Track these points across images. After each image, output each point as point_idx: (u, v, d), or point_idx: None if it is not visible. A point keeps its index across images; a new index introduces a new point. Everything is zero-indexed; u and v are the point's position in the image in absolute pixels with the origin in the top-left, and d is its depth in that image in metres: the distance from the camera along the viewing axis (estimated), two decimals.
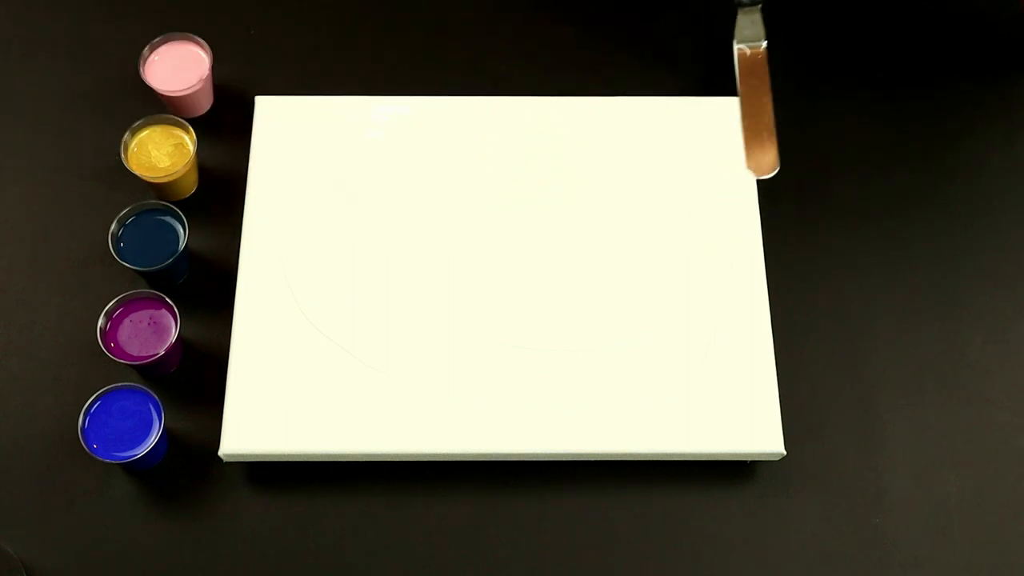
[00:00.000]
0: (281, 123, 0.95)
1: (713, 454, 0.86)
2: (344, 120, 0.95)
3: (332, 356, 0.86)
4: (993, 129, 1.01)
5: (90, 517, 0.85)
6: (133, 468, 0.85)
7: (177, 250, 0.89)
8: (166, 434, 0.85)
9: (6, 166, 0.97)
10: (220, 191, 0.95)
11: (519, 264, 0.90)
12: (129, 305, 0.87)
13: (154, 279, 0.91)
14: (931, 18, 1.05)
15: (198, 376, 0.89)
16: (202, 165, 0.96)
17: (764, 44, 0.97)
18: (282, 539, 0.85)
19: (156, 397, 0.84)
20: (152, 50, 0.96)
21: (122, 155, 0.92)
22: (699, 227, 0.92)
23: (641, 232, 0.91)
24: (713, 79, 1.00)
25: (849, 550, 0.85)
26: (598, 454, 0.85)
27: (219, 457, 0.84)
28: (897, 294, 0.93)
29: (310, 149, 0.94)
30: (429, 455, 0.85)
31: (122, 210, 0.90)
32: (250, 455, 0.85)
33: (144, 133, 0.93)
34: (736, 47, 0.97)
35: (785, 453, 0.85)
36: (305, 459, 0.85)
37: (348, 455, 0.85)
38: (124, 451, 0.83)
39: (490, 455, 0.85)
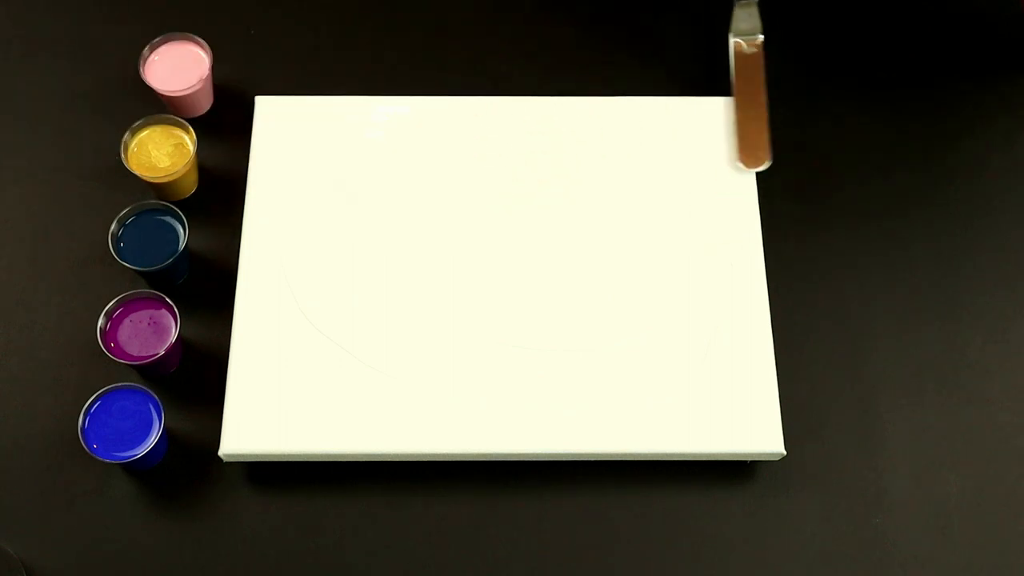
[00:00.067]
0: (281, 123, 0.95)
1: (713, 454, 0.86)
2: (344, 120, 0.95)
3: (332, 356, 0.86)
4: (993, 129, 1.01)
5: (90, 517, 0.85)
6: (133, 468, 0.85)
7: (177, 250, 0.89)
8: (166, 434, 0.85)
9: (6, 166, 0.97)
10: (220, 191, 0.95)
11: (519, 264, 0.90)
12: (129, 305, 0.87)
13: (154, 279, 0.91)
14: (931, 18, 1.05)
15: (198, 376, 0.89)
16: (202, 165, 0.96)
17: (760, 38, 0.97)
18: (282, 539, 0.85)
19: (156, 397, 0.84)
20: (152, 50, 0.96)
21: (122, 155, 0.92)
22: (699, 227, 0.92)
23: (641, 232, 0.91)
24: (713, 79, 1.00)
25: (849, 550, 0.85)
26: (598, 454, 0.85)
27: (219, 457, 0.84)
28: (897, 294, 0.93)
29: (310, 149, 0.94)
30: (429, 455, 0.85)
31: (122, 210, 0.90)
32: (250, 455, 0.85)
33: (144, 133, 0.93)
34: (732, 40, 0.97)
35: (785, 453, 0.85)
36: (305, 459, 0.85)
37: (348, 455, 0.85)
38: (124, 451, 0.83)
39: (490, 455, 0.85)
